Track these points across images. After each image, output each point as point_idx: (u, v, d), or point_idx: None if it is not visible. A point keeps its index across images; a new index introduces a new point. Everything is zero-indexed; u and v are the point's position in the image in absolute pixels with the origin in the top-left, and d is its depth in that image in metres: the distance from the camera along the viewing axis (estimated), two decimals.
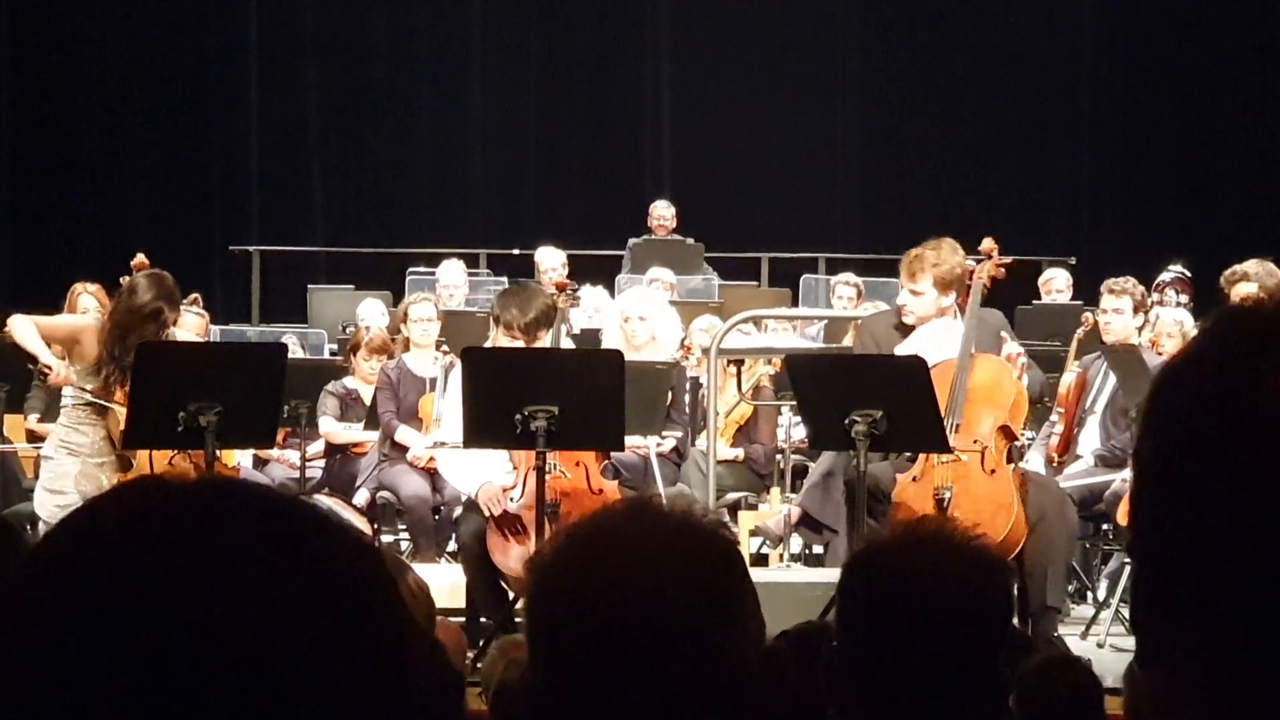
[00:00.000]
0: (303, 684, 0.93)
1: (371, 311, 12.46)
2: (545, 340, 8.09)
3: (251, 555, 0.95)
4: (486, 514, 7.76)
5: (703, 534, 1.81)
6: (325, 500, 7.98)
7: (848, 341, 11.02)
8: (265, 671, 0.92)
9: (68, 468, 7.82)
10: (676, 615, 1.72)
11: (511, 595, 7.65)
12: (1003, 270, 7.98)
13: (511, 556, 7.72)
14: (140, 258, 8.34)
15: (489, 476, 7.90)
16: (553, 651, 1.75)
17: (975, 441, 7.50)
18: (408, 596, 2.98)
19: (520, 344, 7.99)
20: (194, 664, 0.92)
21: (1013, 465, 7.65)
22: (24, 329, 7.95)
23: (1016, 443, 7.84)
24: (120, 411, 7.79)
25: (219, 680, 0.92)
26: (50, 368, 7.95)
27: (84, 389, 7.90)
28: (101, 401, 7.88)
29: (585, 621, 1.73)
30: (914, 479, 7.55)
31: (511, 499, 7.82)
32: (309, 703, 0.93)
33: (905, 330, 7.89)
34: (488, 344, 8.41)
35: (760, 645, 1.79)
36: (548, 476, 7.58)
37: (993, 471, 7.50)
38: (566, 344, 8.77)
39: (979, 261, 8.01)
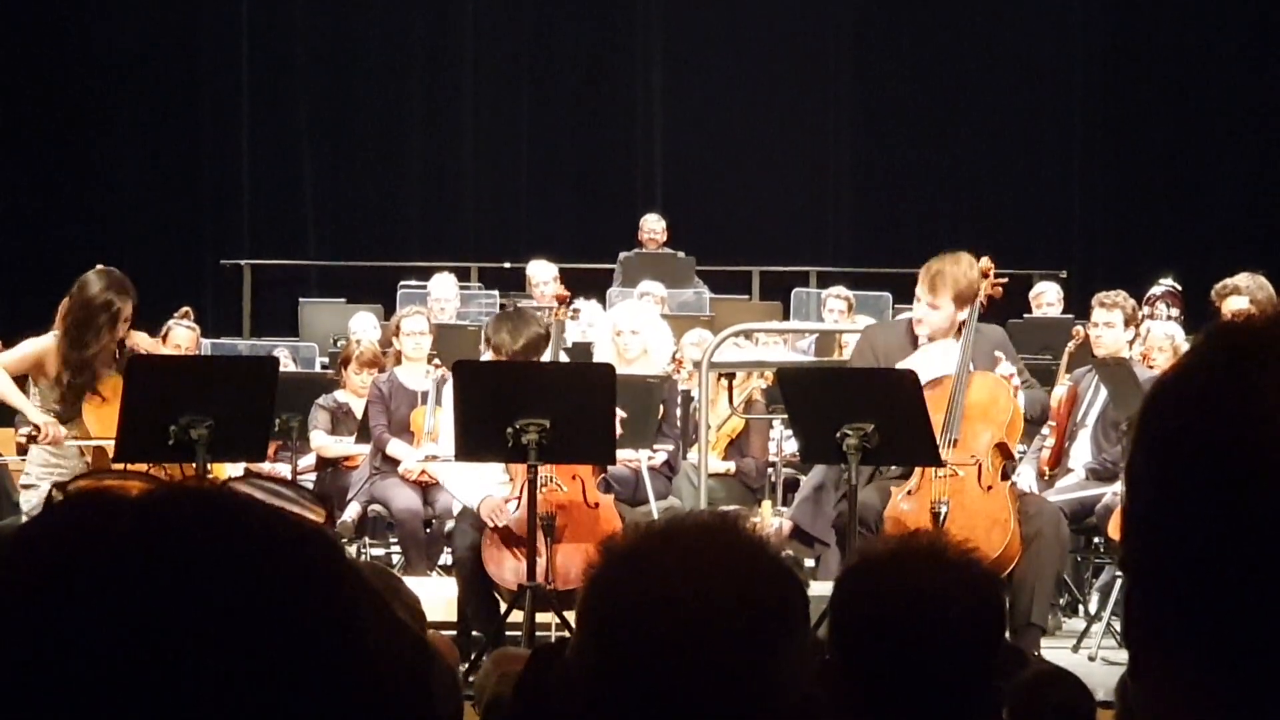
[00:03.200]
0: (228, 678, 0.93)
1: (363, 325, 12.45)
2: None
3: (171, 562, 0.95)
4: (490, 525, 7.75)
5: (770, 562, 1.81)
6: (281, 491, 7.83)
7: (839, 355, 11.03)
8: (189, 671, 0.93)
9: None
10: (724, 637, 1.72)
11: (504, 607, 7.65)
12: (999, 289, 7.97)
13: (506, 568, 7.71)
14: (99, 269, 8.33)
15: (485, 488, 7.91)
16: (604, 641, 1.75)
17: (972, 457, 7.48)
18: (399, 609, 2.97)
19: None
20: (124, 667, 0.93)
21: (1009, 482, 7.63)
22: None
23: (1012, 460, 7.81)
24: (91, 422, 7.78)
25: (151, 681, 0.93)
26: (39, 428, 7.75)
27: (54, 408, 7.87)
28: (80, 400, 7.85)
29: (640, 620, 1.73)
30: (909, 492, 7.53)
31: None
32: (232, 696, 0.94)
33: (915, 344, 7.85)
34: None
35: (807, 676, 1.80)
36: (544, 490, 7.59)
37: (989, 488, 7.48)
38: (560, 358, 8.77)
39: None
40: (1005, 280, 8.12)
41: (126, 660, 0.93)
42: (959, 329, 7.80)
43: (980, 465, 7.47)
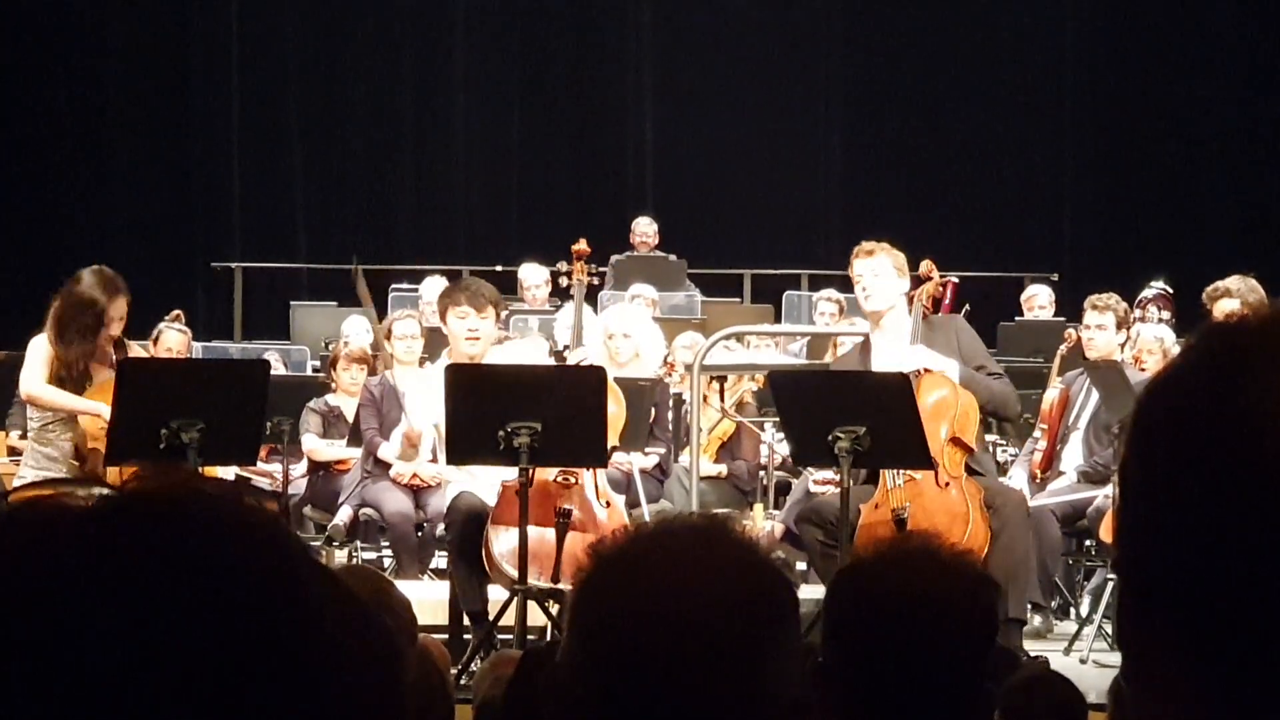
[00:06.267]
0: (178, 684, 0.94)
1: (354, 328, 12.45)
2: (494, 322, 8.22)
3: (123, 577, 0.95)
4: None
5: (761, 565, 1.81)
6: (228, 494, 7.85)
7: (831, 358, 11.02)
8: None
9: None
10: (715, 640, 1.71)
11: (495, 599, 7.64)
12: (943, 289, 7.98)
13: (503, 544, 7.63)
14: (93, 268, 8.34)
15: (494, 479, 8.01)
16: (593, 645, 1.74)
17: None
18: (390, 613, 2.97)
19: (477, 320, 8.00)
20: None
21: (967, 476, 7.60)
22: (52, 395, 7.85)
23: (970, 453, 7.74)
24: (86, 422, 7.78)
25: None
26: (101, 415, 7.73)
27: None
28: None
29: (625, 630, 1.72)
30: (875, 506, 7.53)
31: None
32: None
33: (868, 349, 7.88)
34: (446, 351, 8.38)
35: (798, 679, 1.79)
36: (556, 480, 7.64)
37: (946, 484, 7.49)
38: (589, 317, 8.86)
39: (919, 284, 7.97)
40: (955, 280, 8.12)
41: (72, 670, 0.93)
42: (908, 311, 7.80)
43: (936, 464, 7.46)
